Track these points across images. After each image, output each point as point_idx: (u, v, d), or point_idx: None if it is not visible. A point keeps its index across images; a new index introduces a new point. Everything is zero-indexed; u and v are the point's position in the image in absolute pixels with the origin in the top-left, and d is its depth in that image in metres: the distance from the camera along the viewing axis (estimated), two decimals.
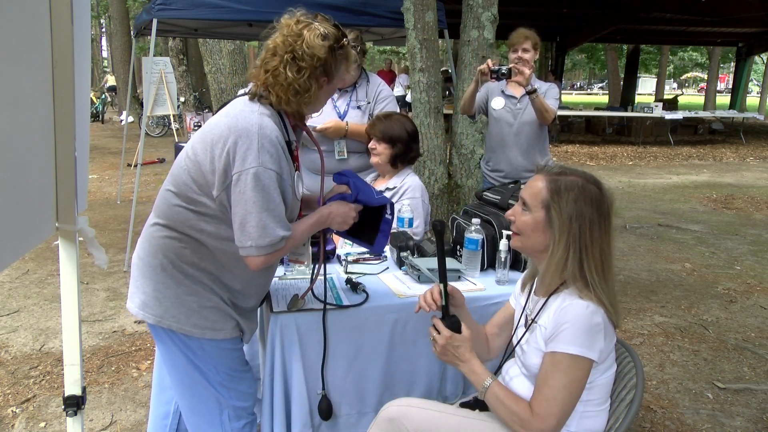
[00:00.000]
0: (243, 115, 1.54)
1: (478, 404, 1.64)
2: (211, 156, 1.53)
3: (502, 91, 3.50)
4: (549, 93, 3.41)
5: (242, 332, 1.73)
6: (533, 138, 3.40)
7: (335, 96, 2.99)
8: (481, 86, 3.41)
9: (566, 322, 1.39)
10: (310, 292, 1.86)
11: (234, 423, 1.73)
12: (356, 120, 2.96)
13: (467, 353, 1.50)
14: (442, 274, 1.56)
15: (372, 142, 2.65)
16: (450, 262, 2.17)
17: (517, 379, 1.55)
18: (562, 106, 14.32)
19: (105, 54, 33.60)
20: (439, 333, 1.52)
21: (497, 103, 3.50)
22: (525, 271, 1.72)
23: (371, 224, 1.82)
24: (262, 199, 1.50)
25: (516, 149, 3.42)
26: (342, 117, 2.96)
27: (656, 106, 13.52)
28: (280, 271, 2.11)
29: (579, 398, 1.41)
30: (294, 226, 1.63)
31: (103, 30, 32.95)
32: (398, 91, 15.68)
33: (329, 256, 2.25)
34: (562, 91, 18.16)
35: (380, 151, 2.63)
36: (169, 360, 1.69)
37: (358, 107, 3.01)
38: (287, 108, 1.61)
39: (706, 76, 30.51)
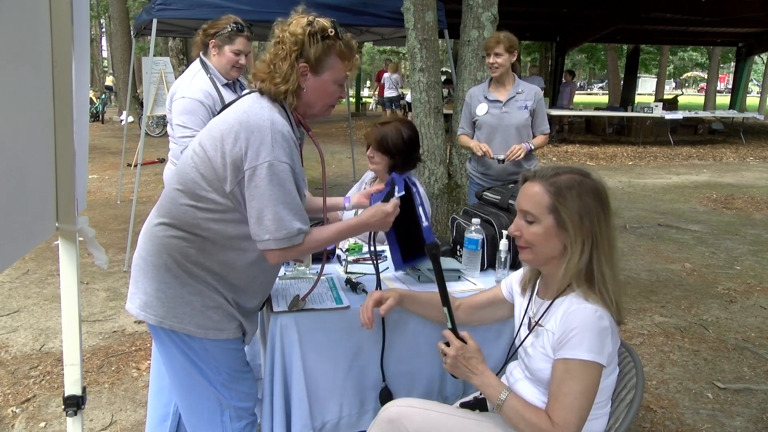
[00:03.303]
0: (253, 111, 1.55)
1: (478, 404, 1.64)
2: (222, 151, 1.53)
3: (486, 97, 3.51)
4: (539, 111, 3.46)
5: (244, 333, 1.73)
6: (518, 141, 3.40)
7: (236, 94, 2.87)
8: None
9: (575, 328, 1.38)
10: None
11: (235, 423, 1.72)
12: None
13: (480, 365, 1.48)
14: (444, 298, 1.54)
15: (369, 149, 2.54)
16: (450, 262, 2.16)
17: (521, 382, 1.54)
18: (562, 106, 14.38)
19: (105, 54, 33.60)
20: (448, 345, 1.51)
21: (481, 110, 3.51)
22: (521, 272, 1.71)
23: (407, 235, 1.84)
24: (278, 192, 1.51)
25: (502, 153, 3.42)
26: None
27: (656, 106, 13.50)
28: (280, 271, 2.11)
29: (593, 403, 1.40)
30: (327, 228, 1.64)
31: (103, 30, 32.94)
32: (391, 92, 15.58)
33: (329, 255, 2.25)
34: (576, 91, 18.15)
35: (378, 161, 2.52)
36: (169, 361, 1.69)
37: None
38: (277, 96, 1.60)
39: (706, 76, 30.51)
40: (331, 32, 1.59)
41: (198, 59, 2.93)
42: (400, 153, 2.49)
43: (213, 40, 2.86)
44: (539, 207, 1.45)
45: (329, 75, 1.62)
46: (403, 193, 1.77)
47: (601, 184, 1.47)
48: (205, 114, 2.77)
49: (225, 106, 1.69)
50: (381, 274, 2.14)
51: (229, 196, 1.55)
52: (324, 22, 1.60)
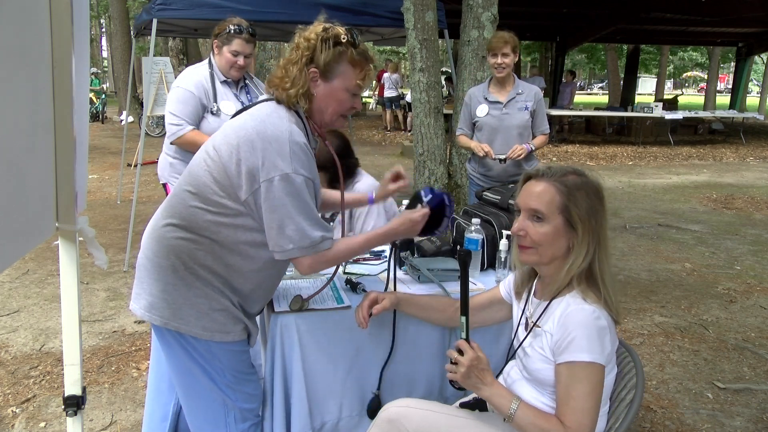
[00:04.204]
0: (271, 121, 1.54)
1: (477, 404, 1.64)
2: (237, 158, 1.52)
3: (486, 98, 3.50)
4: (539, 111, 3.47)
5: (249, 335, 1.73)
6: (519, 142, 3.41)
7: (232, 92, 3.07)
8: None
9: (574, 330, 1.38)
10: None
11: (240, 425, 1.72)
12: None
13: (490, 376, 1.47)
14: (464, 306, 1.52)
15: None
16: (450, 263, 2.16)
17: (519, 382, 1.54)
18: (562, 106, 14.38)
19: (105, 54, 33.59)
20: (462, 355, 1.47)
21: (481, 111, 3.50)
22: (515, 277, 1.70)
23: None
24: (297, 203, 1.51)
25: (503, 154, 3.42)
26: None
27: (656, 106, 13.51)
28: None
29: (601, 403, 1.40)
30: (356, 237, 1.67)
31: (103, 30, 32.95)
32: (391, 92, 15.58)
33: None
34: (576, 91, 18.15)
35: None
36: (174, 363, 1.68)
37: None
38: (290, 102, 1.60)
39: (706, 76, 30.50)
40: (344, 39, 1.58)
41: (209, 58, 3.14)
42: (334, 165, 2.49)
43: (215, 41, 3.04)
44: (550, 206, 1.43)
45: (340, 82, 1.61)
46: (430, 206, 1.74)
47: (600, 184, 1.49)
48: (195, 104, 2.96)
49: (238, 112, 1.69)
50: (381, 275, 2.15)
51: (243, 204, 1.55)
52: (339, 29, 1.60)
